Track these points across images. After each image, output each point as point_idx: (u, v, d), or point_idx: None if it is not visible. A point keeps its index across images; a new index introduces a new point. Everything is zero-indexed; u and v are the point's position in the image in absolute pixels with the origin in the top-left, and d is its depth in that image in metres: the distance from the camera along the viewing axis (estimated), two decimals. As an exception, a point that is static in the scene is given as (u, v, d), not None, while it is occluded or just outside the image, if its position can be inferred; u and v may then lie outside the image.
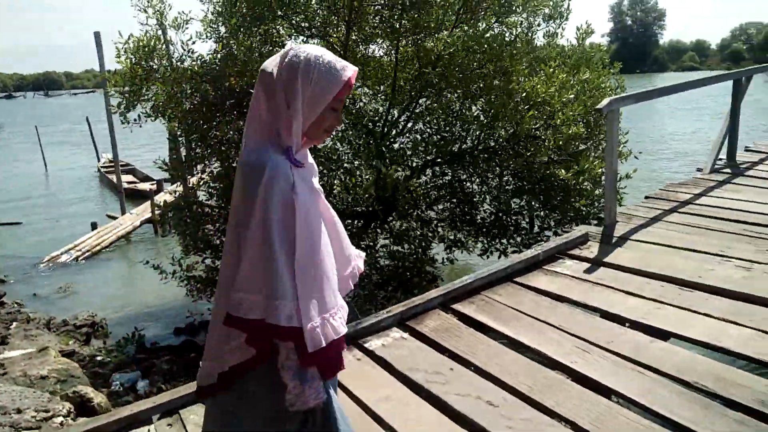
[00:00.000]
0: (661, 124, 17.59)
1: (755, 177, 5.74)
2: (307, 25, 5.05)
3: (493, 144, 5.87)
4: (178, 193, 7.96)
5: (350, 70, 1.44)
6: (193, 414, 2.64)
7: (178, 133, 5.37)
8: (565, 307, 3.45)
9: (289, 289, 1.35)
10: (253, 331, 1.35)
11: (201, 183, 5.56)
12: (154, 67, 5.05)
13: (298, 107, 1.39)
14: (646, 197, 5.29)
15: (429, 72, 5.29)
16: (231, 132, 4.96)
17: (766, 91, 7.73)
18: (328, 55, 1.43)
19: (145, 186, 14.61)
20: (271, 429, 1.46)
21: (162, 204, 7.46)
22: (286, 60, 1.41)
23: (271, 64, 1.44)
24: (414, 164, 5.92)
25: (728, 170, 5.96)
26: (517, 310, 3.41)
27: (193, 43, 5.06)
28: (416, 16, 5.22)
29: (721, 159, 6.11)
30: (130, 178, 15.94)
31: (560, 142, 5.27)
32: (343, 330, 1.45)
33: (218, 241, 5.37)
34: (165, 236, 10.39)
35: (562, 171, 5.15)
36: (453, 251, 6.01)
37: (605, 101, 4.23)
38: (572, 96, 5.40)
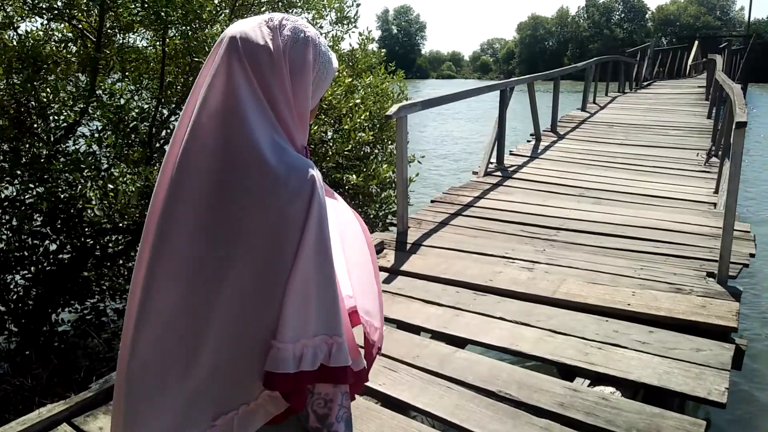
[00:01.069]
0: (436, 128, 18.89)
1: (521, 179, 6.24)
2: (47, 5, 4.15)
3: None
4: None
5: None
6: None
7: None
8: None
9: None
10: (341, 375, 1.06)
11: None
12: None
13: (309, 94, 1.08)
14: (432, 201, 5.41)
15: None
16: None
17: (519, 99, 8.72)
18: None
19: None
20: None
21: None
22: (286, 31, 1.04)
23: (257, 33, 1.03)
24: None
25: (499, 173, 6.42)
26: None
27: None
28: (186, 4, 4.66)
29: (492, 162, 6.55)
30: None
31: (349, 147, 5.14)
32: None
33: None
34: None
35: (353, 176, 5.02)
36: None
37: (394, 108, 4.16)
38: (359, 101, 5.31)
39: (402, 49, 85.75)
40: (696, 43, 27.84)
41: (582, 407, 2.42)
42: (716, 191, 5.36)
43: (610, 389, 2.60)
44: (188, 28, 4.86)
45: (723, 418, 3.64)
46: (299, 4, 5.59)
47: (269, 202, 1.00)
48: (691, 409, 3.07)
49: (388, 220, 5.62)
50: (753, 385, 4.23)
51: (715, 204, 5.03)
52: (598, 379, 2.65)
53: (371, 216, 5.53)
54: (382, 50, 6.39)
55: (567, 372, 2.80)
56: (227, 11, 5.08)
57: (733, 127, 3.34)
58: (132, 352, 1.03)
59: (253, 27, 1.04)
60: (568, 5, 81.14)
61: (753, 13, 54.27)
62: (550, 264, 3.79)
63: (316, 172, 1.05)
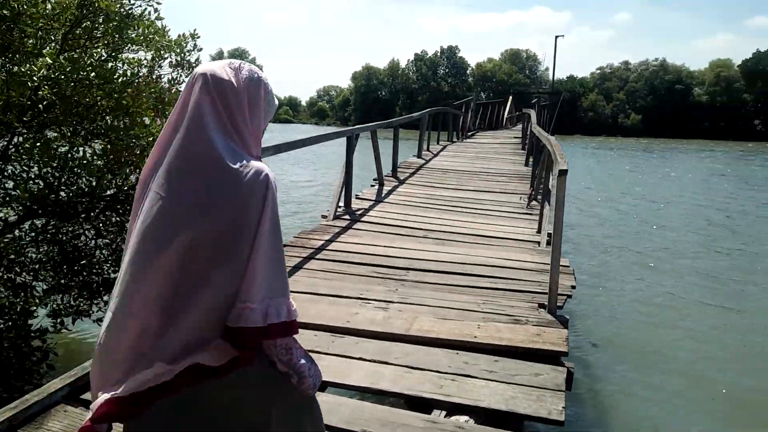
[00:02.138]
0: (284, 173, 18.83)
1: (369, 222, 6.48)
2: None
3: (116, 192, 5.16)
4: None
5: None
6: None
7: None
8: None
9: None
10: (287, 327, 1.35)
11: None
12: None
13: (261, 121, 1.43)
14: (284, 245, 5.38)
15: (25, 102, 4.36)
16: None
17: (366, 145, 9.12)
18: None
19: None
20: None
21: None
22: (244, 72, 1.40)
23: (223, 71, 1.37)
24: (3, 216, 4.77)
25: (347, 216, 6.59)
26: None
27: None
28: (6, 34, 4.26)
29: (340, 206, 6.72)
30: None
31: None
32: None
33: None
34: None
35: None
36: (62, 321, 5.00)
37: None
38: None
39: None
40: (510, 97, 31.23)
41: (441, 437, 2.55)
42: (539, 231, 6.01)
43: (464, 418, 2.78)
44: (8, 59, 4.45)
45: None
46: (139, 42, 5.39)
47: (231, 193, 1.29)
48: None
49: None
50: (581, 402, 4.75)
51: (538, 242, 5.64)
52: (453, 409, 2.81)
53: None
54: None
55: (425, 405, 2.93)
56: (55, 46, 4.74)
57: (556, 174, 3.82)
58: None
59: (220, 67, 1.38)
60: (398, 58, 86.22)
61: (556, 73, 62.37)
62: (402, 303, 3.97)
63: (269, 171, 1.34)
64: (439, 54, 75.68)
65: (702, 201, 17.27)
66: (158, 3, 5.24)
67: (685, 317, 7.10)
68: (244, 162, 1.32)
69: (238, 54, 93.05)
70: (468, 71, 75.78)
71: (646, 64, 69.17)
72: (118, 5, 4.98)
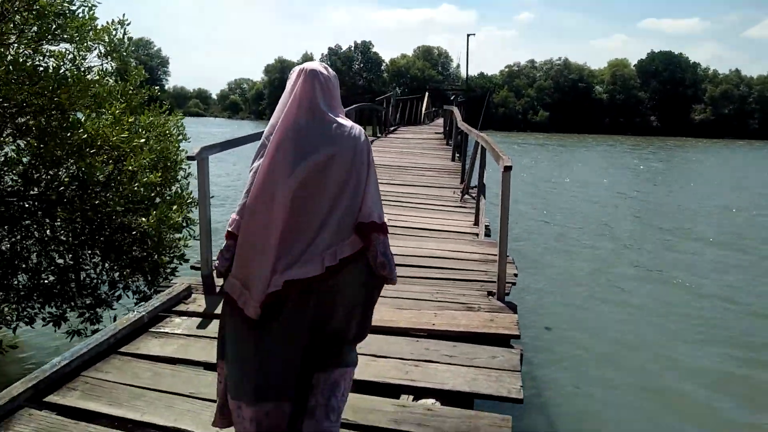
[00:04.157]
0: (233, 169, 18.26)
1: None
2: None
3: (45, 191, 4.94)
4: None
5: None
6: None
7: None
8: (189, 371, 3.18)
9: None
10: (384, 228, 2.06)
11: None
12: None
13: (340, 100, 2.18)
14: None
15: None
16: None
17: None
18: None
19: None
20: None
21: None
22: (331, 70, 2.17)
23: (322, 68, 2.14)
24: None
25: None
26: (134, 386, 2.95)
27: None
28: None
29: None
30: None
31: (134, 190, 4.85)
32: None
33: None
34: None
35: (143, 219, 4.74)
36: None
37: (196, 149, 4.11)
38: (143, 141, 5.06)
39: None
40: (427, 94, 31.86)
41: (413, 420, 2.72)
42: (476, 223, 6.31)
43: (431, 400, 2.96)
44: None
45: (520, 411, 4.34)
46: (64, 35, 5.13)
47: (354, 144, 2.03)
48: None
49: (173, 265, 5.40)
50: (534, 382, 5.12)
51: (477, 234, 5.92)
52: (420, 393, 2.99)
53: (164, 263, 5.24)
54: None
55: (393, 390, 3.08)
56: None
57: (501, 170, 4.06)
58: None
59: (319, 65, 2.15)
60: (312, 51, 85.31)
61: (470, 70, 64.50)
62: (359, 295, 4.08)
63: (361, 128, 2.11)
64: (353, 49, 75.78)
65: (604, 188, 18.79)
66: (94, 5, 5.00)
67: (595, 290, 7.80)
68: (344, 121, 2.07)
69: (143, 44, 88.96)
70: (383, 67, 76.33)
71: (550, 63, 72.52)
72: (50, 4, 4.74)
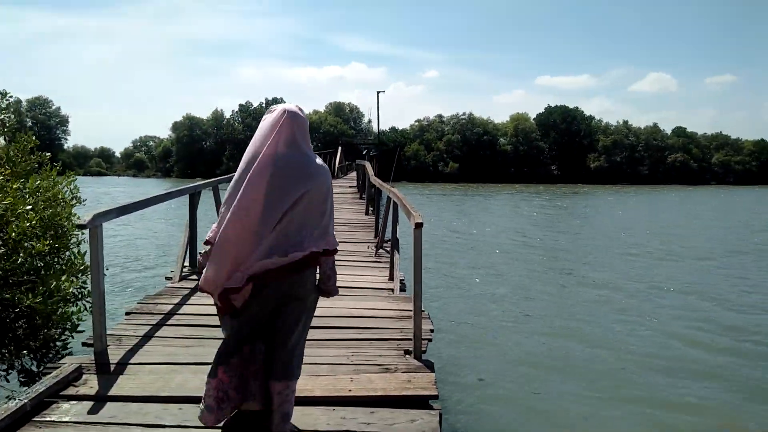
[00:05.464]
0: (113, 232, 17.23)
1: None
2: None
3: None
4: None
5: None
6: None
7: None
8: (78, 465, 2.83)
9: None
10: (334, 253, 2.77)
11: None
12: None
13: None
14: (127, 313, 4.95)
15: None
16: None
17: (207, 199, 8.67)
18: None
19: None
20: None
21: None
22: (302, 110, 2.72)
23: (298, 110, 2.68)
24: None
25: (195, 276, 6.21)
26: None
27: None
28: None
29: (185, 266, 6.35)
30: None
31: (18, 260, 4.42)
32: None
33: None
34: None
35: (29, 295, 4.29)
36: None
37: (88, 216, 3.79)
38: (29, 207, 4.65)
39: (41, 145, 76.66)
40: (339, 148, 32.27)
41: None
42: (390, 278, 6.23)
43: (350, 475, 2.76)
44: None
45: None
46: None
47: (323, 178, 2.68)
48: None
49: (64, 337, 4.93)
50: None
51: (392, 289, 5.84)
52: (338, 468, 2.79)
53: (55, 341, 4.76)
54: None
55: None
56: None
57: (413, 227, 4.02)
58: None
59: (296, 107, 2.68)
60: (222, 107, 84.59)
61: (381, 124, 66.32)
62: (270, 364, 3.84)
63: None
64: (264, 105, 75.82)
65: (506, 235, 20.01)
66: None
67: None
68: (317, 159, 2.71)
69: (40, 104, 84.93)
70: (295, 122, 76.62)
71: (457, 118, 75.90)
72: None
